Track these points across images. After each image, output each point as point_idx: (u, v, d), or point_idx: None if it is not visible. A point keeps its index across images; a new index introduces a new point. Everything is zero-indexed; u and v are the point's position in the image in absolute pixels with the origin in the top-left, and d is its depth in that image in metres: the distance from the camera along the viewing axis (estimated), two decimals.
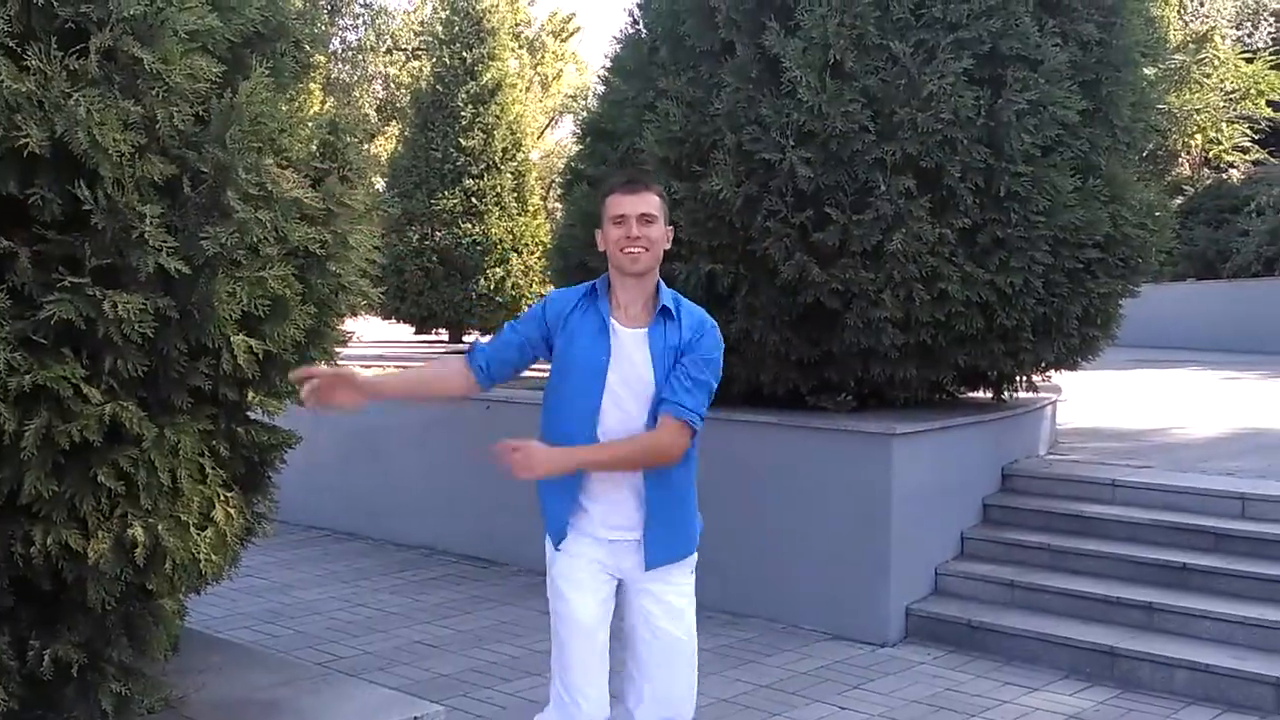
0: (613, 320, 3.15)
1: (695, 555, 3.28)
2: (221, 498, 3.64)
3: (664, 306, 3.14)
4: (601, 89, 7.62)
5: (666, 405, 3.07)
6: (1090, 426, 8.97)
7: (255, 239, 3.35)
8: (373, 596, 6.56)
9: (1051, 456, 7.40)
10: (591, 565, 3.20)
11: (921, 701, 5.00)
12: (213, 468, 3.53)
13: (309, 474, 8.01)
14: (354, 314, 4.36)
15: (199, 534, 3.42)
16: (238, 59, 3.69)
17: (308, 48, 4.33)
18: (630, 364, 3.12)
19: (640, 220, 3.08)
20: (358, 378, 3.24)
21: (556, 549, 3.27)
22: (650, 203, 3.12)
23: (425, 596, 6.57)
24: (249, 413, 3.98)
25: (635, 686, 3.24)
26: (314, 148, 3.89)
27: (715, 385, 3.15)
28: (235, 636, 5.59)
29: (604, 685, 3.18)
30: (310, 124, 4.06)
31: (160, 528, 3.28)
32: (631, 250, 3.07)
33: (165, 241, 3.18)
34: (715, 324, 3.21)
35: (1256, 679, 4.92)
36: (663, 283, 3.21)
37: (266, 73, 3.51)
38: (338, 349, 4.20)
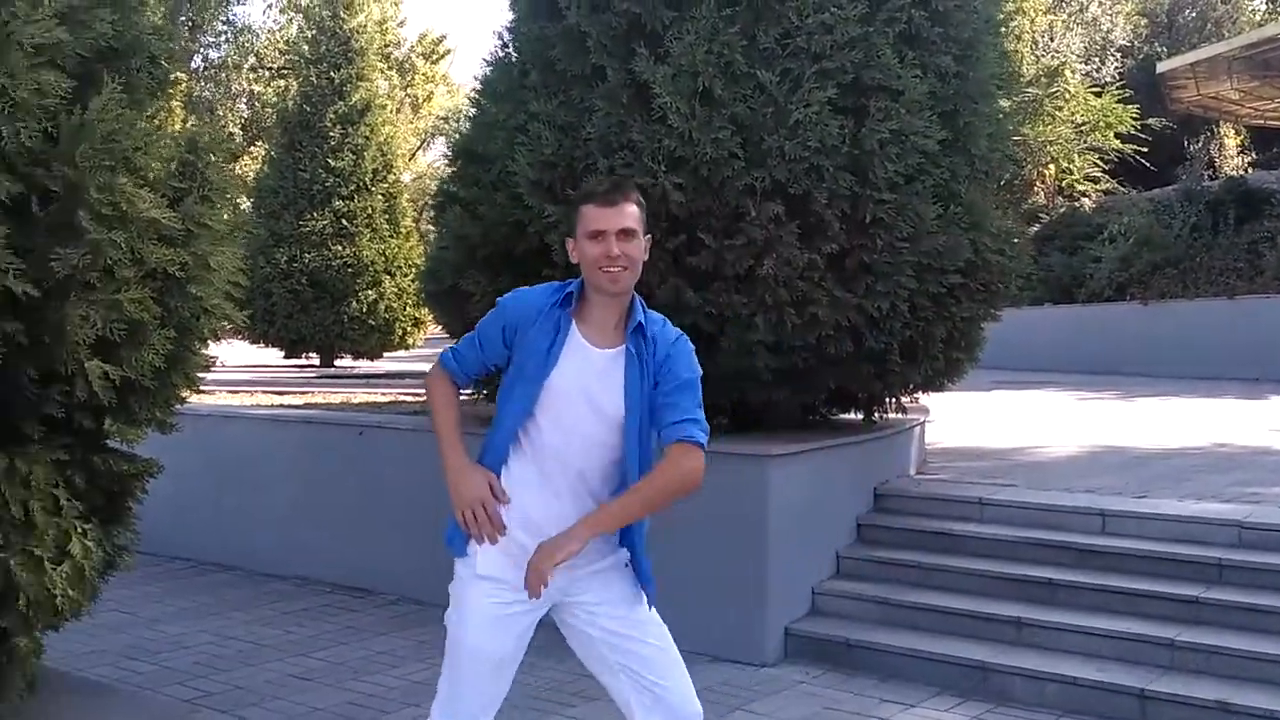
0: (580, 336, 2.89)
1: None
2: (78, 530, 3.48)
3: (638, 324, 2.90)
4: (472, 111, 7.57)
5: (674, 430, 2.86)
6: (956, 446, 9.20)
7: (110, 260, 3.23)
8: (243, 629, 6.34)
9: (921, 476, 7.56)
10: (506, 592, 2.87)
11: None
12: (68, 499, 3.38)
13: (176, 503, 7.74)
14: (218, 338, 4.23)
15: (54, 568, 3.26)
16: (89, 74, 3.55)
17: (165, 64, 4.19)
18: (597, 385, 2.86)
19: (620, 236, 2.82)
20: (468, 471, 2.90)
21: (464, 559, 2.92)
22: (630, 215, 2.86)
23: (298, 628, 6.38)
24: (107, 441, 3.82)
25: (642, 704, 2.98)
26: (172, 166, 3.75)
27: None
28: (98, 674, 5.34)
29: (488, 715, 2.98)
30: (168, 142, 3.92)
31: (12, 563, 3.13)
32: (610, 270, 2.82)
33: (13, 263, 3.04)
34: (685, 337, 3.00)
35: (1121, 690, 5.07)
36: (638, 298, 2.95)
37: (120, 89, 3.38)
38: (201, 375, 4.06)
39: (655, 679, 2.97)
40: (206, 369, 4.09)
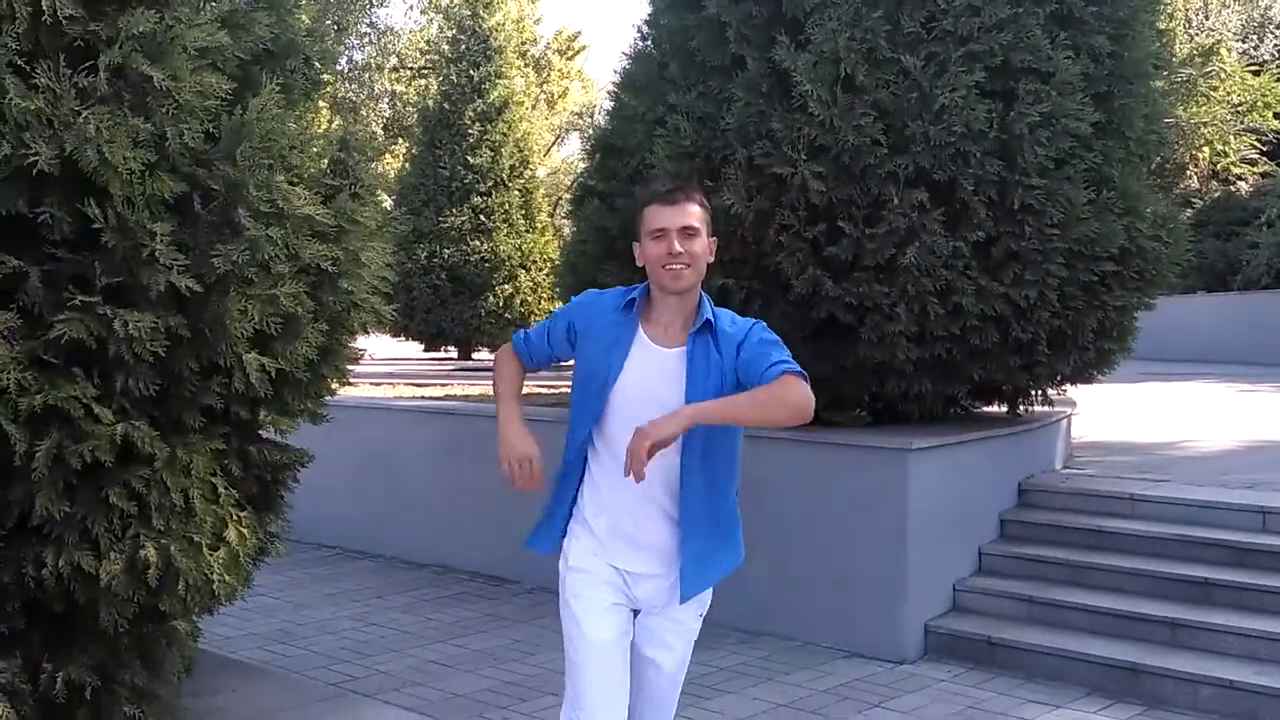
0: (646, 337, 2.92)
1: (710, 593, 3.05)
2: (234, 517, 3.61)
3: (705, 320, 2.90)
4: (611, 105, 7.60)
5: (773, 370, 2.82)
6: (1104, 440, 8.90)
7: (267, 256, 3.32)
8: (385, 615, 6.51)
9: (1067, 471, 7.34)
10: (605, 587, 2.98)
11: None
12: (225, 487, 3.50)
13: (320, 492, 7.96)
14: (365, 331, 4.33)
15: (211, 554, 3.38)
16: (248, 76, 3.67)
17: (317, 65, 4.31)
18: (663, 384, 2.87)
19: (682, 234, 2.85)
20: (521, 429, 3.00)
21: (563, 557, 3.07)
22: (692, 214, 2.88)
23: (438, 615, 6.52)
24: (261, 432, 3.95)
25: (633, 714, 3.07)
26: (325, 165, 3.86)
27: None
28: (248, 656, 5.55)
29: (622, 714, 2.96)
30: (321, 141, 4.04)
31: (173, 548, 3.24)
32: (673, 267, 2.84)
33: (176, 259, 3.15)
34: (755, 324, 2.97)
35: None
36: (705, 297, 2.96)
37: (277, 89, 3.48)
38: (350, 366, 4.17)
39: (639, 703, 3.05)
40: (355, 361, 4.20)
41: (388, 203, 20.48)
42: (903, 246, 5.86)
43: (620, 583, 2.99)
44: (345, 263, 3.70)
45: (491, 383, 3.15)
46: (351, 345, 4.13)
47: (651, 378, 2.90)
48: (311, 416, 3.97)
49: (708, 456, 2.94)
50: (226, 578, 3.46)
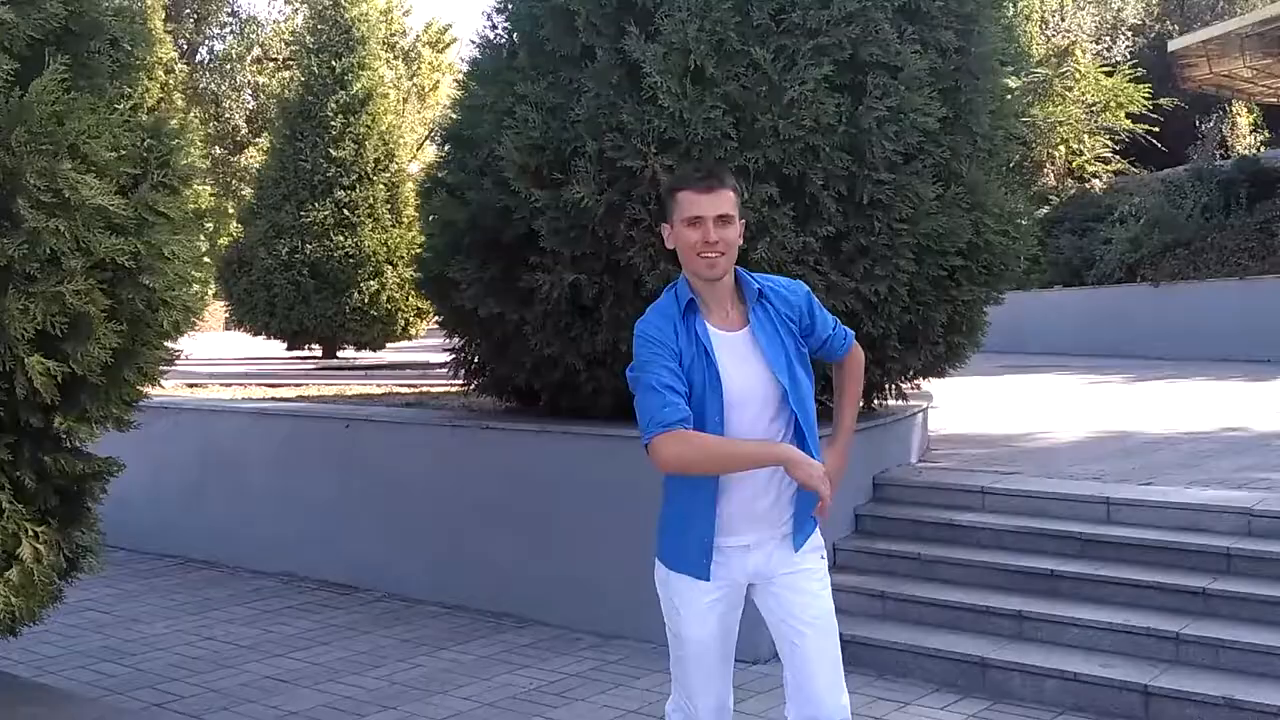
0: (715, 329, 2.95)
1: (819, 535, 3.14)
2: (29, 533, 3.34)
3: (757, 290, 3.00)
4: (460, 94, 7.38)
5: (847, 340, 3.16)
6: (960, 433, 9.01)
7: (52, 250, 3.07)
8: (223, 628, 6.20)
9: (922, 465, 7.38)
10: (714, 584, 3.05)
11: None
12: (11, 501, 3.23)
13: (161, 499, 7.60)
14: (180, 330, 4.06)
15: None
16: (39, 57, 3.39)
17: (128, 46, 4.03)
18: (747, 367, 2.93)
19: (718, 222, 2.89)
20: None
21: (659, 562, 3.13)
22: (728, 201, 2.93)
23: (280, 627, 6.23)
24: (64, 440, 3.67)
25: (790, 688, 3.12)
26: (125, 152, 3.58)
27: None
28: (68, 677, 5.23)
29: (722, 692, 3.14)
30: (132, 128, 3.76)
31: None
32: (708, 255, 2.89)
33: None
34: (806, 288, 3.10)
35: (1123, 686, 4.88)
36: (741, 272, 3.02)
37: (65, 70, 3.22)
38: (163, 369, 3.91)
39: (799, 667, 3.08)
40: (170, 363, 3.94)
41: (248, 193, 19.85)
42: (753, 242, 5.77)
43: (735, 567, 3.04)
44: (147, 257, 3.45)
45: (720, 460, 2.94)
46: (165, 345, 3.87)
47: (739, 364, 2.94)
48: (117, 423, 3.70)
49: (801, 421, 3.00)
50: (15, 600, 3.19)
